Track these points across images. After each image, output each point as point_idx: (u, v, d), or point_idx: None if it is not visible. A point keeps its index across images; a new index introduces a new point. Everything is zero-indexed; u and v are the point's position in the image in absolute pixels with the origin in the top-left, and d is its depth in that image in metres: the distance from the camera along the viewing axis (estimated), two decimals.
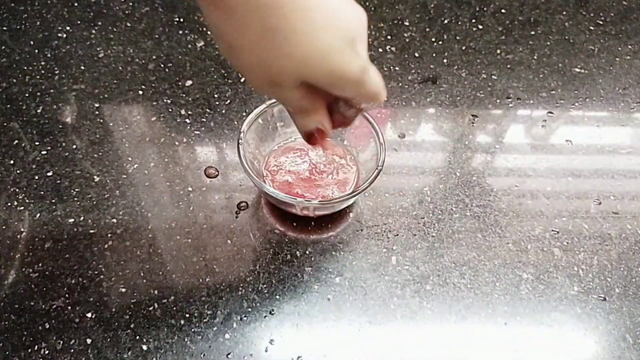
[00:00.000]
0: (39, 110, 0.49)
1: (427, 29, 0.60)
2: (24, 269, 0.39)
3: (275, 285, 0.39)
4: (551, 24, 0.62)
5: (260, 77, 0.25)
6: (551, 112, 0.53)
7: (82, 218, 0.42)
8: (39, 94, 0.51)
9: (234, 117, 0.50)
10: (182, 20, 0.58)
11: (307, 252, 0.41)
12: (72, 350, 0.35)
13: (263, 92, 0.26)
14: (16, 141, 0.47)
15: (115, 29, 0.57)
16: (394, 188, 0.46)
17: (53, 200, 0.43)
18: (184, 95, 0.51)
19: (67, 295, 0.38)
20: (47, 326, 0.36)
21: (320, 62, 0.24)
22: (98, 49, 0.55)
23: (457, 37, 0.59)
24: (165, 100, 0.51)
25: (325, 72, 0.24)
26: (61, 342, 0.36)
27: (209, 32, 0.57)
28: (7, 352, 0.35)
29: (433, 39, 0.59)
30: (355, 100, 0.28)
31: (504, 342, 0.37)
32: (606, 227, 0.44)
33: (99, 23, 0.58)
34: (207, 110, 0.50)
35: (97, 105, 0.50)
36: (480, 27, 0.61)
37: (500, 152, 0.49)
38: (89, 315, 0.37)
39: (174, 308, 0.38)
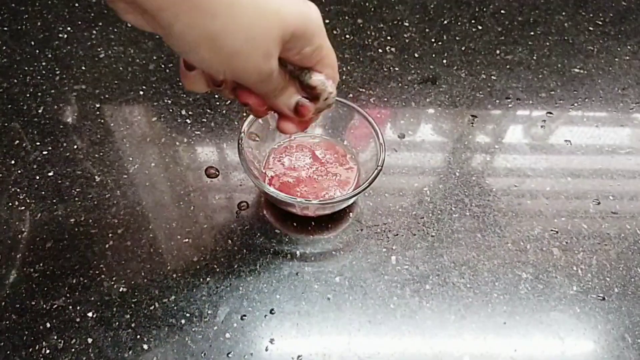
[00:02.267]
0: (39, 111, 0.49)
1: (427, 30, 0.60)
2: (25, 269, 0.39)
3: (276, 285, 0.39)
4: (550, 24, 0.62)
5: (253, 54, 0.25)
6: (550, 113, 0.53)
7: (83, 218, 0.42)
8: (39, 94, 0.51)
9: (234, 117, 0.50)
10: None
11: (307, 252, 0.41)
12: (73, 350, 0.36)
13: (259, 74, 0.26)
14: (17, 141, 0.47)
15: (116, 30, 0.57)
16: (394, 188, 0.46)
17: (54, 200, 0.43)
18: (184, 96, 0.51)
19: (68, 295, 0.38)
20: (48, 325, 0.37)
21: (293, 11, 0.26)
22: (99, 49, 0.55)
23: (457, 38, 0.60)
24: (165, 101, 0.51)
25: (301, 20, 0.26)
26: (62, 341, 0.36)
27: None
28: (8, 352, 0.35)
29: (433, 40, 0.59)
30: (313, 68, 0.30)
31: (503, 341, 0.38)
32: (605, 227, 0.44)
33: (100, 23, 0.58)
34: (208, 110, 0.50)
35: (97, 105, 0.50)
36: (480, 27, 0.61)
37: (499, 152, 0.49)
38: (90, 314, 0.37)
39: (175, 307, 0.38)
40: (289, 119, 0.33)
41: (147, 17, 0.24)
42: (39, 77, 0.52)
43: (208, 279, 0.39)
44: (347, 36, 0.58)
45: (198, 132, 0.49)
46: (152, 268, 0.40)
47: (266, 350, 0.36)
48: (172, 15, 0.23)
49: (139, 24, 0.25)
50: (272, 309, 0.38)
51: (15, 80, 0.52)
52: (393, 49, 0.58)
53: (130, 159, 0.46)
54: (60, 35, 0.56)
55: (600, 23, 0.63)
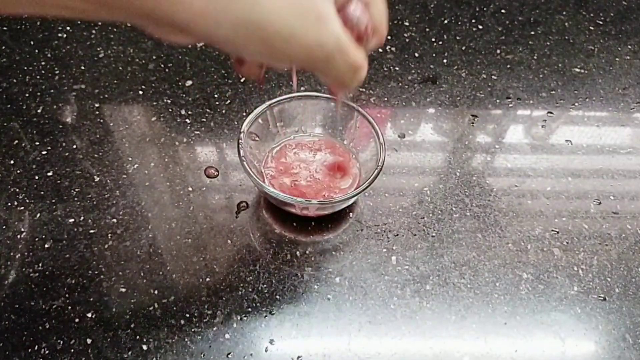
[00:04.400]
0: (39, 110, 0.49)
1: (427, 29, 0.60)
2: (24, 269, 0.39)
3: (275, 285, 0.39)
4: (551, 24, 0.62)
5: (303, 17, 0.22)
6: (551, 112, 0.53)
7: (82, 218, 0.42)
8: (39, 94, 0.51)
9: (234, 117, 0.50)
10: None
11: (307, 252, 0.41)
12: (72, 350, 0.35)
13: (315, 43, 0.23)
14: (16, 141, 0.47)
15: (115, 29, 0.57)
16: (394, 188, 0.46)
17: (53, 200, 0.43)
18: (184, 95, 0.51)
19: (67, 295, 0.38)
20: (47, 326, 0.36)
21: None
22: (98, 49, 0.55)
23: (457, 37, 0.60)
24: (165, 100, 0.51)
25: None
26: (61, 342, 0.36)
27: None
28: (7, 352, 0.35)
29: (433, 39, 0.59)
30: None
31: (504, 342, 0.38)
32: (606, 227, 0.44)
33: (99, 23, 0.58)
34: (207, 110, 0.50)
35: (97, 105, 0.50)
36: (480, 27, 0.61)
37: (500, 152, 0.49)
38: (89, 315, 0.37)
39: (174, 308, 0.38)
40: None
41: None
42: (38, 77, 0.52)
43: (207, 279, 0.39)
44: None
45: (197, 132, 0.48)
46: (152, 268, 0.40)
47: (266, 351, 0.36)
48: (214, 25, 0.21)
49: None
50: (272, 310, 0.38)
51: (15, 80, 0.51)
52: (393, 49, 0.58)
53: (130, 158, 0.46)
54: (59, 34, 0.56)
55: (600, 23, 0.63)
